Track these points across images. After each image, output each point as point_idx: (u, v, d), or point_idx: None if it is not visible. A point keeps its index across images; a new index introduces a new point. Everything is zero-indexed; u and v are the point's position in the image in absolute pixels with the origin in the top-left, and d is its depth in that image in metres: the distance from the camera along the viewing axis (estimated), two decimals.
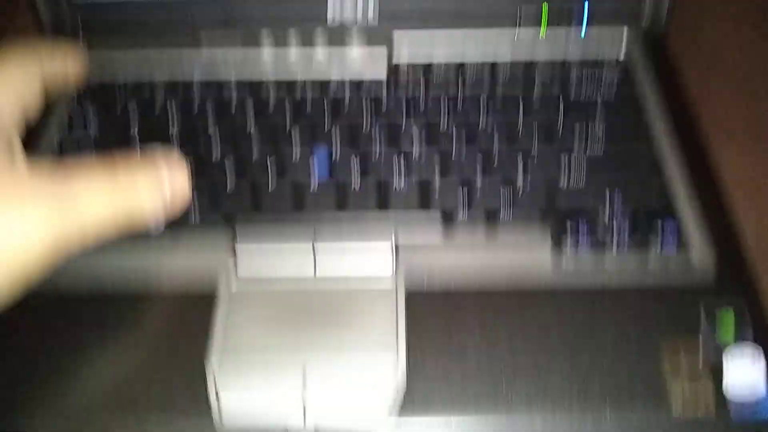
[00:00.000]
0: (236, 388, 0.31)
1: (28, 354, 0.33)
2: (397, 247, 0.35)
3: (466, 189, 0.38)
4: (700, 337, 0.33)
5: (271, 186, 0.39)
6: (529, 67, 0.44)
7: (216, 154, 0.40)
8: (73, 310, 0.34)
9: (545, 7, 0.45)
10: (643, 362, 0.32)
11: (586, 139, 0.40)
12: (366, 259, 0.35)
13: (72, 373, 0.33)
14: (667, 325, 0.33)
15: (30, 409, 0.32)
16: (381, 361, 0.32)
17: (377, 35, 0.45)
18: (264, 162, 0.39)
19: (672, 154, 0.40)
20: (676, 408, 0.31)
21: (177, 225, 0.36)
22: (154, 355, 0.33)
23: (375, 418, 0.31)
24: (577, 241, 0.36)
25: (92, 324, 0.34)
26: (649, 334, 0.33)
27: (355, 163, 0.39)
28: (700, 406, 0.31)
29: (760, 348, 0.32)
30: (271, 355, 0.32)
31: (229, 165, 0.39)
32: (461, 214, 0.37)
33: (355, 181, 0.39)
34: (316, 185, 0.38)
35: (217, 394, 0.31)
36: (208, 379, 0.31)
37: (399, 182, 0.38)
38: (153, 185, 0.28)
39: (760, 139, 0.46)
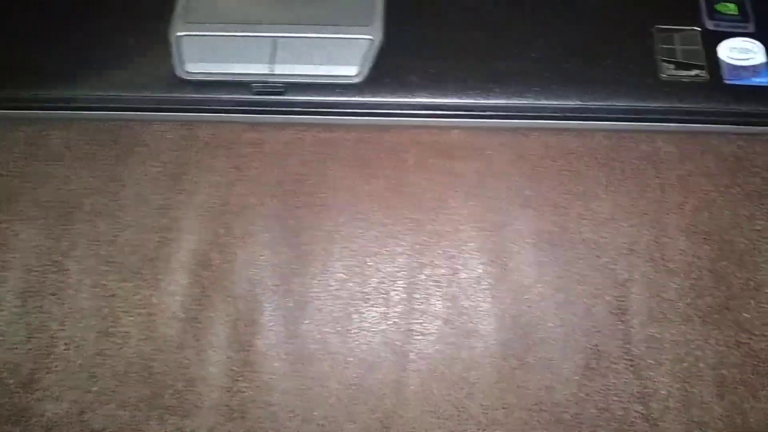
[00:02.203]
0: (199, 60, 0.29)
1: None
2: None
3: None
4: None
5: None
6: None
7: None
8: None
9: None
10: (636, 40, 0.31)
11: None
12: None
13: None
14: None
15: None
16: (357, 37, 0.30)
17: None
18: None
19: None
20: (668, 69, 0.29)
21: None
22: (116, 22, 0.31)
23: (344, 91, 0.29)
24: None
25: None
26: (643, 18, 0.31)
27: None
28: (692, 68, 0.29)
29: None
30: (239, 28, 0.31)
31: None
32: None
33: None
34: None
35: (182, 64, 0.29)
36: (171, 50, 0.30)
37: None
38: None
39: None
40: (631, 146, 0.33)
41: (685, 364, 0.31)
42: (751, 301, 0.31)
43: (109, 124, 0.34)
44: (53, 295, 0.32)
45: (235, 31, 0.30)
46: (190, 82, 0.30)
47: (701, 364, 0.31)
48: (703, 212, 0.32)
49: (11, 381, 0.31)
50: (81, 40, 0.31)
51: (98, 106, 0.31)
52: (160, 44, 0.31)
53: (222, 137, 0.33)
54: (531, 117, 0.30)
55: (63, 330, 0.31)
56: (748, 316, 0.31)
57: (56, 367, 0.31)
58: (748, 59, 0.30)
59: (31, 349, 0.32)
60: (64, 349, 0.31)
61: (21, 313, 0.32)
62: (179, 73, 0.30)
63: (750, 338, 0.31)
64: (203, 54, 0.30)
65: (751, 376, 0.31)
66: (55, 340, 0.31)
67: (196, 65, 0.30)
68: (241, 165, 0.33)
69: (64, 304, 0.32)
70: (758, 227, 0.32)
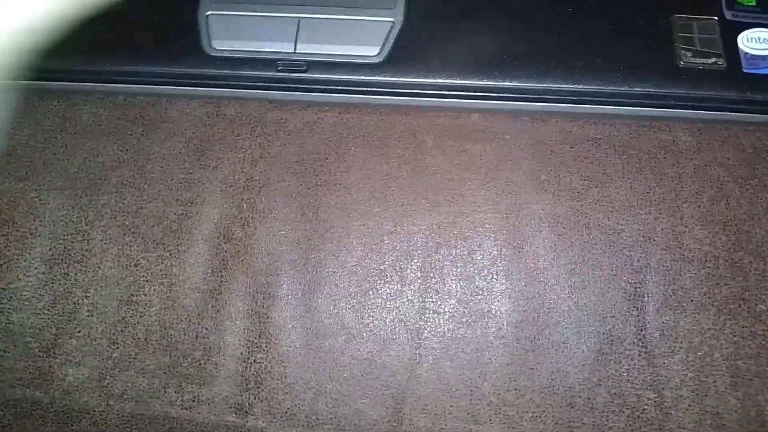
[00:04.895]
0: (226, 38, 0.30)
1: None
2: None
3: None
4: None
5: None
6: None
7: None
8: None
9: None
10: (654, 27, 0.31)
11: None
12: None
13: None
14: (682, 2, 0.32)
15: None
16: (378, 19, 0.31)
17: None
18: None
19: None
20: (686, 56, 0.30)
21: None
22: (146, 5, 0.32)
23: (364, 70, 0.30)
24: None
25: None
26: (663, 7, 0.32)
27: None
28: (710, 56, 0.29)
29: None
30: (265, 8, 0.31)
31: None
32: None
33: None
34: None
35: (210, 42, 0.30)
36: (200, 28, 0.31)
37: None
38: None
39: None
40: (649, 135, 0.33)
41: (699, 354, 0.31)
42: (767, 293, 0.31)
43: (138, 100, 0.35)
44: (78, 263, 0.33)
45: (261, 11, 0.31)
46: (217, 58, 0.31)
47: (716, 354, 0.31)
48: (720, 202, 0.32)
49: (35, 345, 0.32)
50: (114, 15, 0.32)
51: (128, 80, 0.32)
52: (189, 22, 0.32)
53: (246, 116, 0.34)
54: (549, 100, 0.31)
55: (87, 297, 0.32)
56: (764, 307, 0.31)
57: (79, 332, 0.32)
58: (766, 49, 0.30)
59: (54, 314, 0.32)
60: (87, 316, 0.32)
61: (46, 280, 0.33)
62: (207, 50, 0.31)
63: (766, 330, 0.31)
64: (230, 32, 0.31)
65: (766, 368, 0.31)
66: (78, 307, 0.32)
67: (223, 42, 0.31)
68: (264, 143, 0.34)
69: (88, 271, 0.33)
70: None
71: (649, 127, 0.33)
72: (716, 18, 0.31)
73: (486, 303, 0.31)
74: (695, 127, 0.33)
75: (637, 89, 0.30)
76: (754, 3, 0.31)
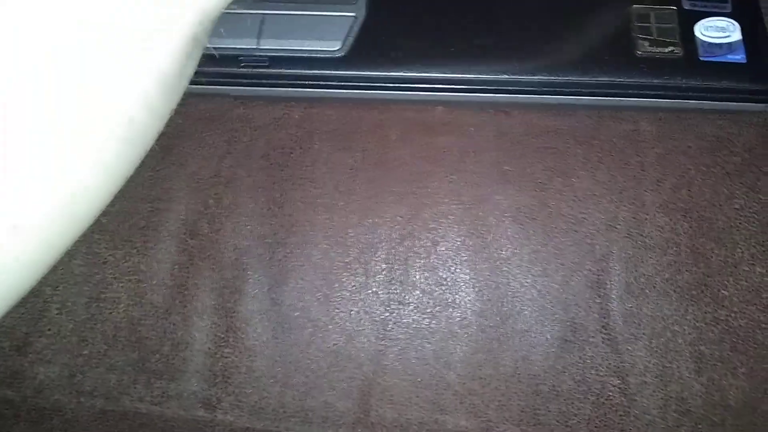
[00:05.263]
0: None
1: None
2: None
3: None
4: None
5: None
6: None
7: None
8: None
9: None
10: (613, 18, 0.31)
11: None
12: None
13: None
14: None
15: None
16: (341, 14, 0.31)
17: None
18: None
19: None
20: (642, 45, 0.30)
21: None
22: None
23: (327, 64, 0.30)
24: None
25: None
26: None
27: None
28: (667, 44, 0.30)
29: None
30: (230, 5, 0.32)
31: None
32: None
33: None
34: None
35: None
36: None
37: None
38: None
39: None
40: (611, 125, 0.33)
41: (662, 340, 0.31)
42: (730, 279, 0.31)
43: None
44: None
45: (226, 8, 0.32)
46: None
47: (679, 340, 0.31)
48: (682, 190, 0.33)
49: (6, 344, 0.33)
50: None
51: None
52: None
53: (213, 112, 0.34)
54: (512, 92, 0.31)
55: (56, 294, 0.33)
56: (726, 293, 0.31)
57: (49, 330, 0.32)
58: (724, 37, 0.30)
59: (24, 313, 0.33)
60: (57, 314, 0.33)
61: None
62: None
63: (728, 315, 0.31)
64: None
65: (730, 353, 0.31)
66: (48, 305, 0.33)
67: None
68: (230, 138, 0.34)
69: (57, 269, 0.33)
70: (737, 206, 0.32)
71: (611, 118, 0.33)
72: (675, 8, 0.31)
73: (450, 293, 0.32)
74: (657, 116, 0.33)
75: (597, 79, 0.31)
76: None
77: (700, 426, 0.30)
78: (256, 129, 0.34)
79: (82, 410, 0.32)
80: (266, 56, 0.31)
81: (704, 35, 0.30)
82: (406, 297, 0.32)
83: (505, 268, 0.32)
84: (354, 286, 0.32)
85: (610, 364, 0.31)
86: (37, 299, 0.33)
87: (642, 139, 0.33)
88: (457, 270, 0.32)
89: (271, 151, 0.33)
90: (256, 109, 0.34)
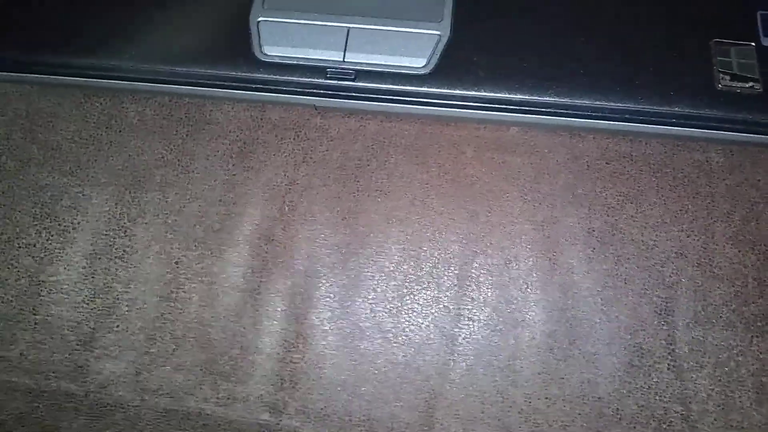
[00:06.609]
0: (276, 44, 0.31)
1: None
2: None
3: None
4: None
5: None
6: None
7: None
8: None
9: None
10: (693, 51, 0.32)
11: None
12: None
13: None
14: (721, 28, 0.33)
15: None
16: (426, 32, 0.31)
17: None
18: None
19: None
20: (723, 79, 0.30)
21: None
22: (202, 4, 0.33)
23: (411, 81, 0.31)
24: None
25: None
26: (703, 32, 0.33)
27: None
28: (748, 80, 0.30)
29: None
30: (315, 17, 0.32)
31: None
32: None
33: None
34: None
35: (260, 47, 0.32)
36: (251, 33, 0.32)
37: None
38: None
39: None
40: (684, 155, 0.34)
41: (726, 369, 0.31)
42: None
43: (183, 101, 0.35)
44: (119, 258, 0.33)
45: (311, 19, 0.32)
46: (266, 63, 0.32)
47: (743, 370, 0.32)
48: (751, 223, 0.33)
49: (72, 338, 0.33)
50: (166, 17, 0.33)
51: (177, 81, 0.32)
52: (241, 27, 0.33)
53: (290, 121, 0.35)
54: (588, 117, 0.32)
55: (127, 292, 0.33)
56: None
57: (117, 327, 0.33)
58: None
59: (94, 308, 0.33)
60: (126, 311, 0.33)
61: (87, 274, 0.33)
62: (258, 55, 0.32)
63: None
64: (281, 38, 0.32)
65: None
66: (118, 302, 0.33)
67: (273, 48, 0.32)
68: (307, 148, 0.34)
69: (129, 267, 0.33)
70: None
71: (684, 147, 0.34)
72: (753, 44, 0.32)
73: (520, 312, 0.32)
74: (728, 149, 0.34)
75: (674, 109, 0.31)
76: None
77: None
78: (332, 140, 0.34)
79: (146, 408, 0.33)
80: (353, 69, 0.31)
81: None
82: (476, 313, 0.32)
83: (575, 291, 0.32)
84: (425, 299, 0.32)
85: (674, 390, 0.31)
86: (107, 296, 0.33)
87: (713, 169, 0.34)
88: (528, 290, 0.32)
89: (346, 162, 0.34)
90: (332, 120, 0.35)
